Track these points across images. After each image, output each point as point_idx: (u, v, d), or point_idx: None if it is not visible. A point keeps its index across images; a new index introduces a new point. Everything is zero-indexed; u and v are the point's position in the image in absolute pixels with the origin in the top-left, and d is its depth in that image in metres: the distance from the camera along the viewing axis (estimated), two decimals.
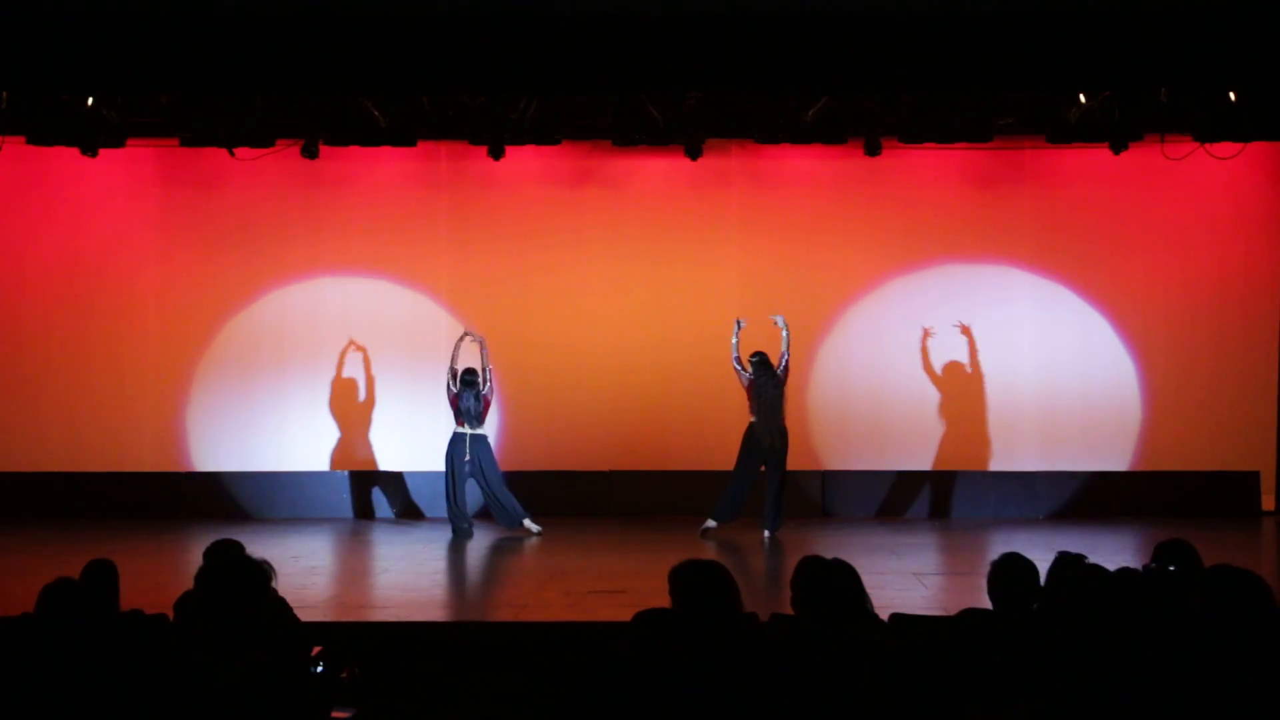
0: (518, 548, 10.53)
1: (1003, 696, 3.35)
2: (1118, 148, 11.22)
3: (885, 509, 12.30)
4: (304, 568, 9.54)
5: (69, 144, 11.14)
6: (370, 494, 12.38)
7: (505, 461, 12.26)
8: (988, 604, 4.65)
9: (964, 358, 12.25)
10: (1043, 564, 4.66)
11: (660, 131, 11.20)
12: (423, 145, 11.70)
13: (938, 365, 12.32)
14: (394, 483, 12.36)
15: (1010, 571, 4.61)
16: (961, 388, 12.33)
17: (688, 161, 11.66)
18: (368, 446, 12.40)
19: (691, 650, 3.92)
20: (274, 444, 12.38)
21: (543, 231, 12.38)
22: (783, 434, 10.73)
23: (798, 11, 7.92)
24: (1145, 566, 4.80)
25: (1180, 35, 7.94)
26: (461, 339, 11.12)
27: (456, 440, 10.93)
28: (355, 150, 11.64)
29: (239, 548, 5.29)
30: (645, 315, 12.37)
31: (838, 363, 12.36)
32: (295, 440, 12.38)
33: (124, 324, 12.38)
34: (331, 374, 12.39)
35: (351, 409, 12.37)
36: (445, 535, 10.93)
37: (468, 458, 10.90)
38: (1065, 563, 4.59)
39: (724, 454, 11.03)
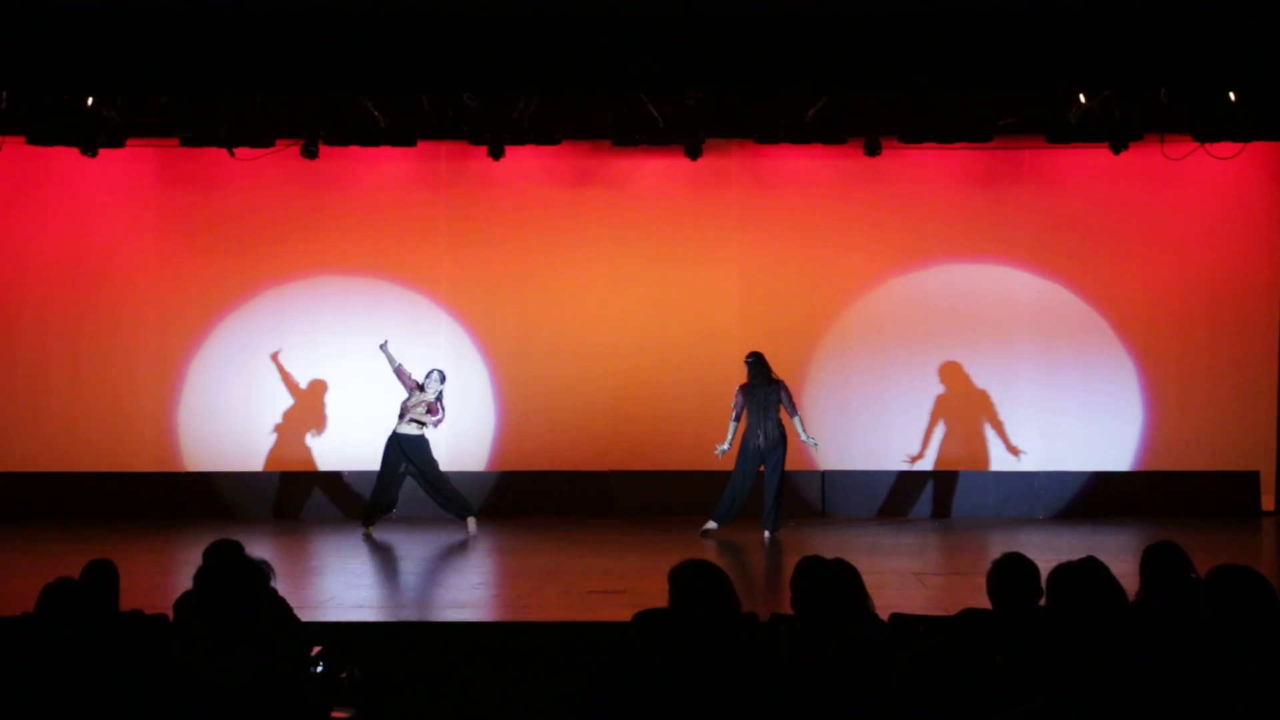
0: (517, 548, 10.52)
1: (1003, 696, 3.34)
2: (1118, 148, 11.22)
3: (885, 509, 12.30)
4: (304, 568, 9.54)
5: (69, 144, 11.14)
6: (368, 494, 12.36)
7: (505, 461, 12.31)
8: (988, 604, 4.64)
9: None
10: (1043, 564, 4.65)
11: (660, 131, 11.20)
12: (423, 145, 11.70)
13: (938, 382, 12.32)
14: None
15: (1010, 571, 4.60)
16: (962, 388, 12.33)
17: (688, 161, 11.66)
18: (368, 446, 12.38)
19: (691, 650, 3.92)
20: (274, 444, 12.38)
21: (542, 231, 12.38)
22: (780, 434, 10.72)
23: (798, 11, 7.92)
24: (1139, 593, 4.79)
25: (1180, 35, 7.94)
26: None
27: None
28: (355, 150, 11.65)
29: (239, 548, 5.29)
30: (645, 315, 12.37)
31: (838, 363, 12.36)
32: (296, 440, 12.38)
33: (124, 323, 12.38)
34: (331, 374, 12.39)
35: (351, 409, 12.36)
36: (445, 535, 10.93)
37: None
38: (1067, 567, 4.55)
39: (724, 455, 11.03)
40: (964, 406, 12.34)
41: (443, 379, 11.07)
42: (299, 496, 12.33)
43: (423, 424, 10.98)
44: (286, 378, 12.36)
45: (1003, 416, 12.32)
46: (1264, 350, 12.25)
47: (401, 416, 10.99)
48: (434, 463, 11.05)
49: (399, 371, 11.08)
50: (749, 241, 12.38)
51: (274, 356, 12.33)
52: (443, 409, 11.02)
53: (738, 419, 10.84)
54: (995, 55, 8.15)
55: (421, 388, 11.02)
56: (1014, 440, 12.26)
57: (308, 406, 12.43)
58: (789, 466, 10.99)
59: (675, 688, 3.76)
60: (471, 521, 10.99)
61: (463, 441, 12.29)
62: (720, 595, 4.12)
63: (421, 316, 12.41)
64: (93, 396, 12.36)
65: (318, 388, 12.43)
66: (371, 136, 11.22)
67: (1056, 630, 4.02)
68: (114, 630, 4.73)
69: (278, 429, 12.40)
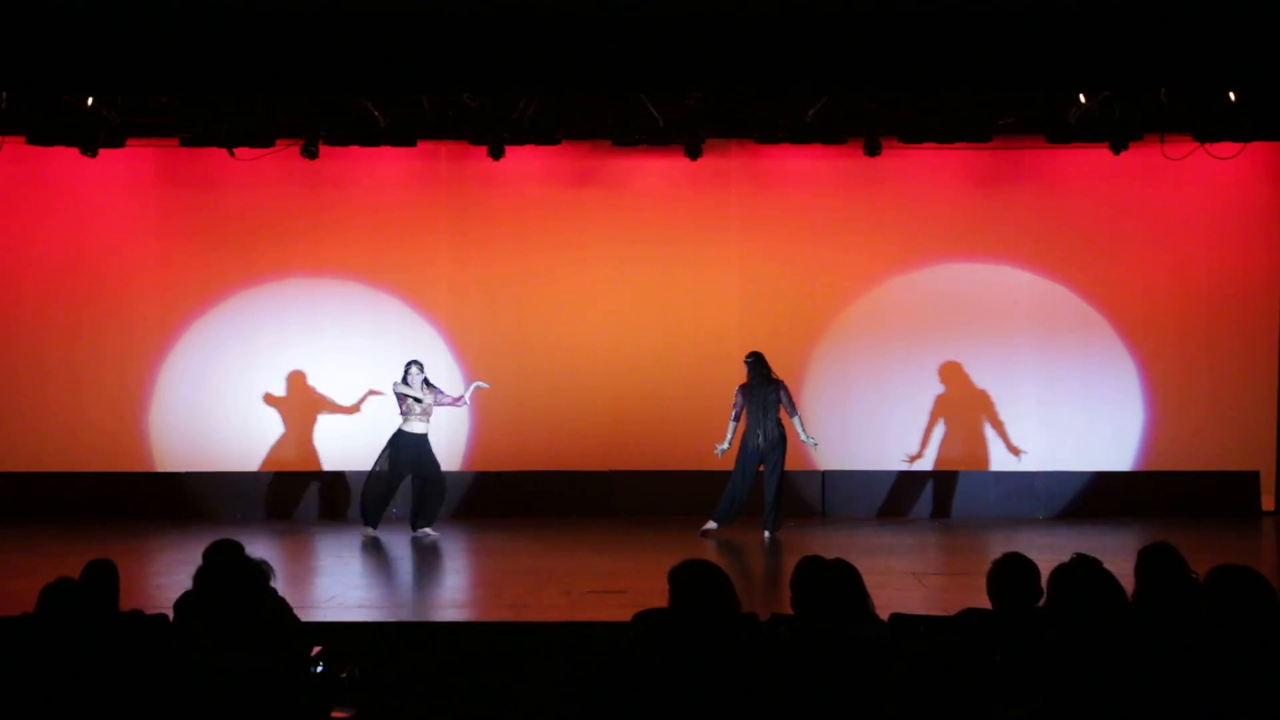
0: (517, 548, 10.52)
1: (1003, 696, 3.34)
2: (1118, 147, 11.22)
3: (885, 509, 12.30)
4: (304, 568, 9.54)
5: (69, 144, 11.14)
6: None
7: (505, 461, 12.27)
8: (988, 604, 4.64)
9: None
10: (1043, 564, 4.64)
11: (660, 131, 11.20)
12: (422, 145, 11.69)
13: (938, 381, 12.32)
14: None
15: (1010, 571, 4.59)
16: (962, 387, 12.33)
17: (688, 161, 11.66)
18: (368, 446, 12.38)
19: (691, 650, 3.92)
20: (277, 444, 12.38)
21: (543, 231, 12.38)
22: (779, 434, 10.72)
23: (798, 12, 7.92)
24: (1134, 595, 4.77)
25: (1180, 35, 7.94)
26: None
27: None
28: (355, 150, 11.64)
29: (239, 548, 5.29)
30: (645, 315, 12.37)
31: (838, 363, 12.36)
32: (297, 440, 12.38)
33: (123, 323, 12.37)
34: (332, 373, 12.39)
35: (350, 409, 12.36)
36: (445, 536, 10.93)
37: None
38: (1071, 565, 4.55)
39: (724, 454, 11.03)
40: (964, 406, 12.34)
41: (421, 368, 11.05)
42: (298, 496, 12.33)
43: (429, 415, 10.96)
44: (276, 401, 12.40)
45: (1003, 416, 12.31)
46: (1264, 350, 12.25)
47: (406, 416, 10.96)
48: (437, 462, 11.05)
49: (401, 397, 11.05)
50: (749, 241, 12.38)
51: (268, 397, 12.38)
52: (438, 391, 11.00)
53: (737, 419, 10.85)
54: (995, 55, 8.14)
55: (406, 382, 10.98)
56: (1014, 440, 12.26)
57: (306, 407, 12.42)
58: (789, 466, 10.99)
59: (675, 688, 3.76)
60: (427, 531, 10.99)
61: (462, 440, 12.29)
62: (720, 595, 4.12)
63: (421, 315, 12.41)
64: (92, 396, 12.35)
65: (318, 387, 12.43)
66: (371, 136, 11.21)
67: (1057, 630, 4.02)
68: (114, 630, 4.72)
69: (276, 429, 12.39)
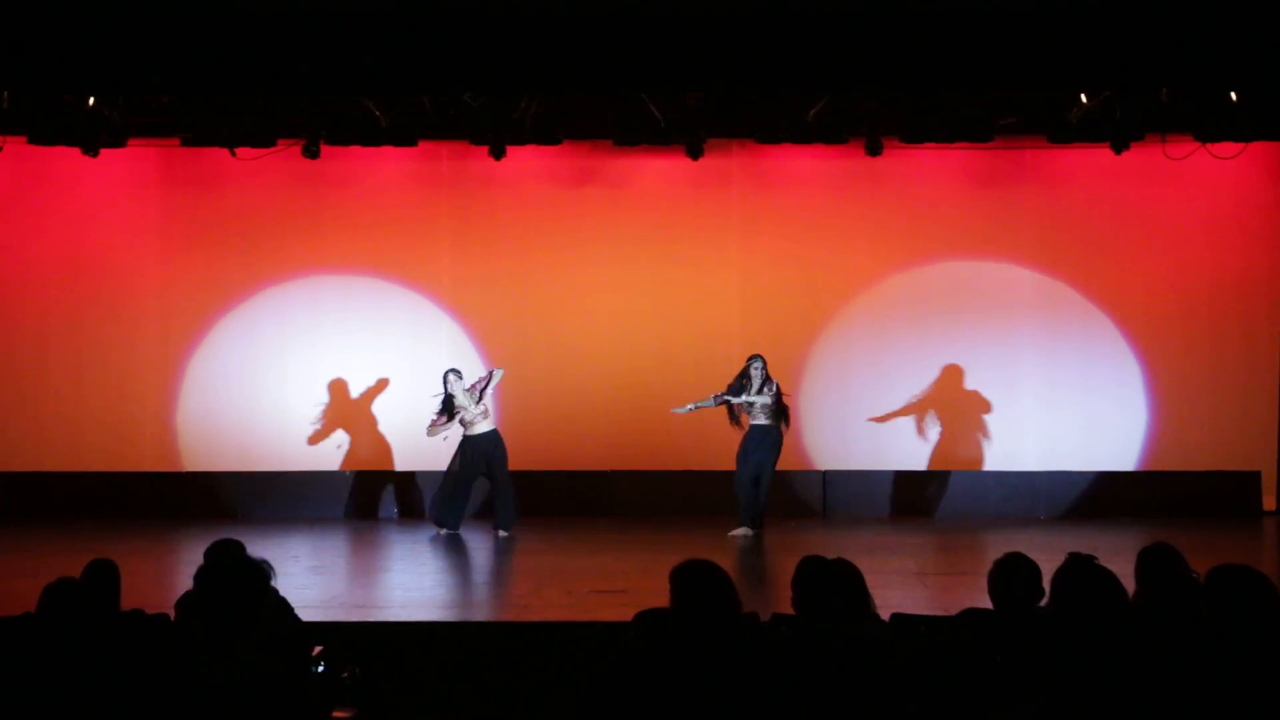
0: (518, 548, 10.53)
1: (1003, 696, 3.35)
2: (1119, 147, 11.22)
3: (885, 509, 12.29)
4: (304, 568, 9.54)
5: (70, 144, 11.15)
6: (370, 494, 12.37)
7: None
8: (988, 604, 4.64)
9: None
10: (1043, 564, 4.64)
11: (661, 131, 11.21)
12: (424, 145, 11.70)
13: (937, 378, 12.31)
14: (394, 483, 12.35)
15: (1011, 571, 4.59)
16: (963, 387, 12.32)
17: (688, 161, 11.66)
18: (368, 446, 12.40)
19: (691, 650, 3.92)
20: (275, 444, 12.38)
21: (543, 231, 12.39)
22: (768, 434, 10.75)
23: (798, 11, 7.92)
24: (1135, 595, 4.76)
25: (1180, 35, 7.94)
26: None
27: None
28: (356, 150, 11.65)
29: (240, 547, 5.29)
30: (646, 315, 12.38)
31: (838, 363, 12.36)
32: (296, 440, 12.38)
33: (125, 323, 12.38)
34: (332, 374, 12.40)
35: (352, 409, 12.37)
36: (444, 535, 10.92)
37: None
38: (1074, 564, 4.54)
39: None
40: (965, 406, 12.33)
41: (459, 375, 11.03)
42: (298, 496, 12.32)
43: (485, 414, 10.95)
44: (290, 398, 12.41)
45: (1004, 416, 12.31)
46: (1265, 350, 12.24)
47: (466, 425, 10.94)
48: (504, 460, 11.03)
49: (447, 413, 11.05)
50: (749, 241, 12.38)
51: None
52: (479, 393, 10.97)
53: (718, 403, 10.83)
54: (995, 55, 8.14)
55: (450, 396, 10.95)
56: (1015, 440, 12.25)
57: (309, 407, 12.42)
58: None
59: (676, 688, 3.75)
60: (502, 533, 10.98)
61: None
62: (721, 595, 4.11)
63: (423, 316, 12.42)
64: (93, 396, 12.36)
65: (319, 388, 12.44)
66: (373, 136, 11.23)
67: (1058, 630, 4.02)
68: (114, 630, 4.73)
69: (279, 429, 12.40)
